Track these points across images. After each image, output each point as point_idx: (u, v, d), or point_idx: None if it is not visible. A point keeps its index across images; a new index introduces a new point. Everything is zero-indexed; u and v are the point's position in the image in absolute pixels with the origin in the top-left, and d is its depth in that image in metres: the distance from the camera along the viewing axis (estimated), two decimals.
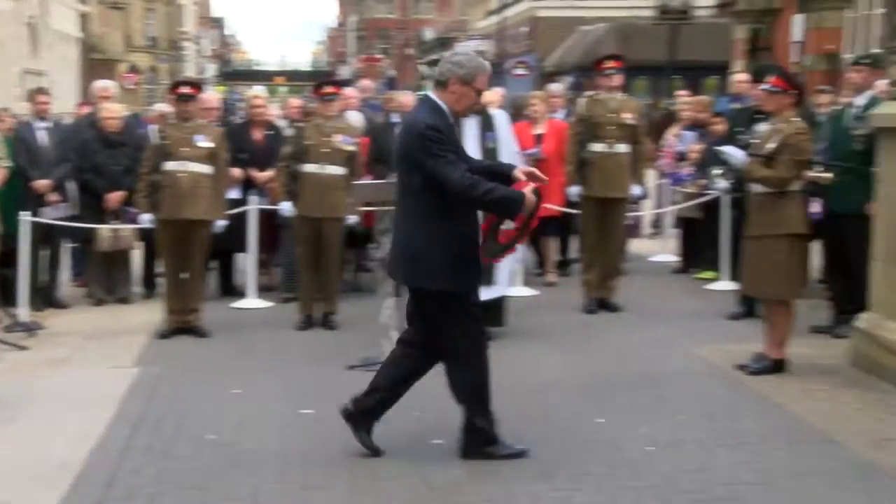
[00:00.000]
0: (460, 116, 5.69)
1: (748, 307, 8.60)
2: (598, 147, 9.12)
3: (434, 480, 5.16)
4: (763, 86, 7.41)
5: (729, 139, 8.81)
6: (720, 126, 10.43)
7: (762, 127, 7.67)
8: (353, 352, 7.52)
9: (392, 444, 5.53)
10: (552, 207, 10.24)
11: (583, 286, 9.38)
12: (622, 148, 9.13)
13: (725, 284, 9.84)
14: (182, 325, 8.52)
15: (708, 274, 10.58)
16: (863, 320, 7.15)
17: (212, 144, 8.53)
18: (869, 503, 4.81)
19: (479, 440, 5.44)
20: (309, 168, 8.68)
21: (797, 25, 19.73)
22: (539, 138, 10.44)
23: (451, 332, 5.42)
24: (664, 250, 12.37)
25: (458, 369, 5.45)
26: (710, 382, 6.86)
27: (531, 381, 6.95)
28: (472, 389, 5.46)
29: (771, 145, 6.94)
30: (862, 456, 5.39)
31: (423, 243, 5.30)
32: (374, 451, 5.50)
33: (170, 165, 8.39)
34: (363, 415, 5.54)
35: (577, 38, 35.15)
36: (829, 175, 7.80)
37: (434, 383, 5.51)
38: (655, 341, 8.05)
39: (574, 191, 9.39)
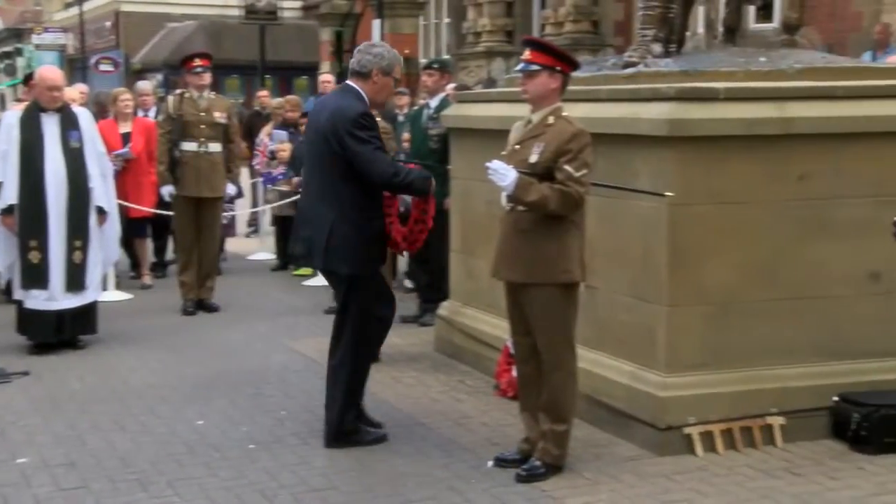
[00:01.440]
0: (379, 107, 5.92)
1: None
2: (189, 146, 8.98)
3: None
4: None
5: None
6: None
7: None
8: None
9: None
10: (144, 209, 10.01)
11: (180, 287, 9.20)
12: (215, 147, 9.05)
13: (321, 279, 9.91)
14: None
15: (305, 270, 10.68)
16: (444, 308, 7.49)
17: None
18: (449, 475, 5.04)
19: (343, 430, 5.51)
20: None
21: (376, 30, 20.54)
22: (126, 137, 10.10)
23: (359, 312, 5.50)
24: (262, 248, 12.40)
25: (355, 349, 5.51)
26: (309, 376, 6.90)
27: (127, 387, 6.73)
28: (360, 375, 5.59)
29: None
30: (445, 434, 5.66)
31: (348, 230, 5.33)
32: (382, 436, 5.59)
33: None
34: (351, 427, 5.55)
35: (166, 35, 34.41)
36: None
37: None
38: (256, 339, 8.06)
39: (167, 191, 9.19)
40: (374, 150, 5.31)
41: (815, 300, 5.52)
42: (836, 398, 5.45)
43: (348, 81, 5.57)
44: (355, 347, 5.52)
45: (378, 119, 7.19)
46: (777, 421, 5.38)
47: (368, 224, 5.42)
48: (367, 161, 5.29)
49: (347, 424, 5.51)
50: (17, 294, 7.68)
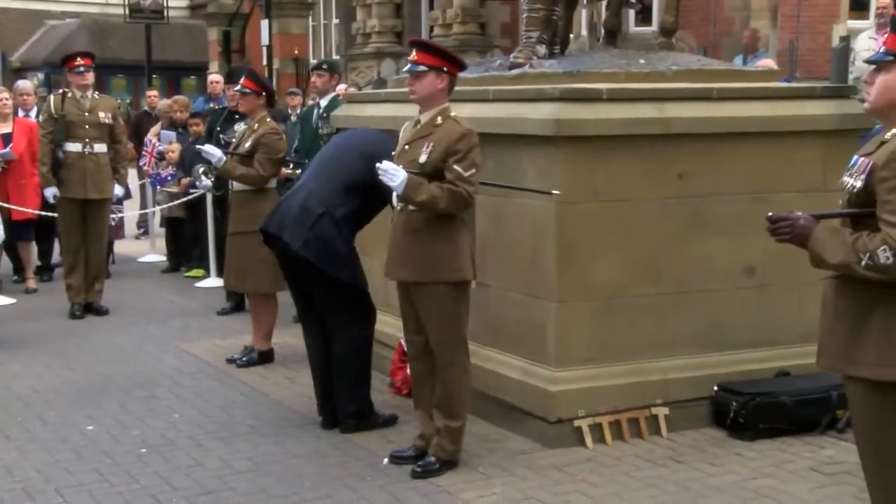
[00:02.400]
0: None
1: (236, 302, 8.70)
2: (73, 147, 8.80)
3: None
4: (236, 87, 7.52)
5: (208, 138, 8.87)
6: (199, 126, 10.45)
7: (238, 126, 7.78)
8: None
9: None
10: (28, 211, 9.76)
11: (66, 291, 8.96)
12: (100, 148, 8.88)
13: (214, 281, 9.87)
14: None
15: (196, 272, 10.58)
16: None
17: None
18: (344, 473, 5.02)
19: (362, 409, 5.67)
20: None
21: (265, 30, 20.34)
22: (7, 138, 9.83)
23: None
24: (152, 250, 12.18)
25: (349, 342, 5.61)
26: (202, 378, 6.84)
27: (12, 394, 6.53)
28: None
29: (247, 144, 7.05)
30: (341, 433, 5.62)
31: (331, 228, 5.46)
32: (393, 417, 5.77)
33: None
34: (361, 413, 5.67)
35: (46, 33, 33.46)
36: (300, 172, 8.07)
37: None
38: (147, 342, 7.91)
39: (50, 192, 8.97)
40: None
41: (696, 294, 5.63)
42: (715, 388, 5.57)
43: None
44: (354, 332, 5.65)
45: (269, 120, 7.17)
46: (662, 411, 5.47)
47: (349, 236, 5.56)
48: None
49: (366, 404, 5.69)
50: None
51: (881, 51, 3.27)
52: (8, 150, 9.71)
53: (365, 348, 5.72)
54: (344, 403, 5.64)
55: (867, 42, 11.55)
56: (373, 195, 5.36)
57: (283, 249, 5.64)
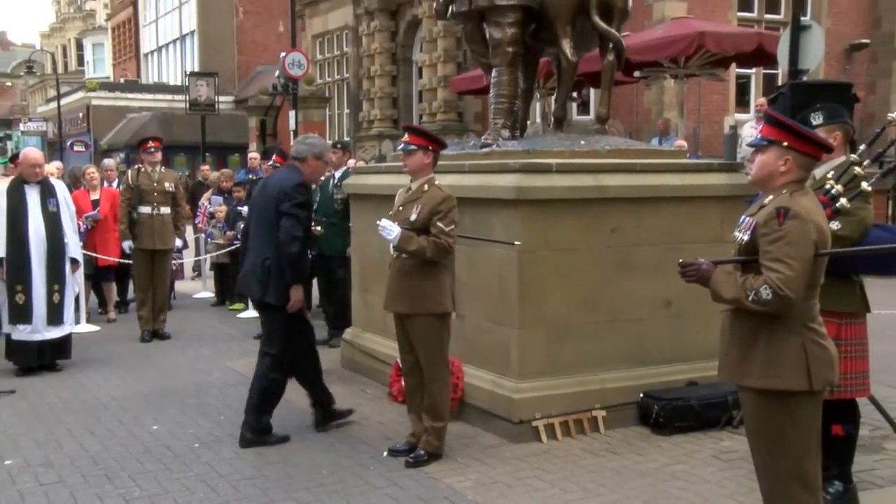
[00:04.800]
0: (315, 182, 5.89)
1: None
2: (145, 209, 8.81)
3: None
4: (269, 162, 7.53)
5: (247, 202, 8.85)
6: (240, 192, 10.49)
7: None
8: None
9: None
10: (110, 259, 9.74)
11: (138, 320, 8.91)
12: (165, 210, 8.90)
13: (250, 313, 9.75)
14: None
15: (238, 305, 10.51)
16: (348, 333, 7.39)
17: None
18: (353, 463, 4.96)
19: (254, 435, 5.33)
20: None
21: (292, 119, 20.40)
22: (96, 203, 9.87)
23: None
24: (204, 288, 12.08)
25: (277, 370, 5.39)
26: (242, 389, 6.63)
27: (96, 401, 6.46)
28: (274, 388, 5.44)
29: None
30: (350, 431, 5.58)
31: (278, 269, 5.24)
32: (348, 412, 5.69)
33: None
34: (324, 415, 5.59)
35: (127, 123, 33.51)
36: (319, 228, 8.06)
37: None
38: (199, 360, 7.82)
39: (127, 245, 9.02)
40: (293, 217, 5.19)
41: (625, 322, 5.62)
42: (641, 395, 5.56)
43: (293, 162, 5.48)
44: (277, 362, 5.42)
45: None
46: (600, 413, 5.45)
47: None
48: (287, 224, 5.19)
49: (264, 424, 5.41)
50: (6, 328, 7.43)
51: (758, 137, 3.30)
52: (96, 212, 9.73)
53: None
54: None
55: (749, 130, 11.71)
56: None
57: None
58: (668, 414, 5.38)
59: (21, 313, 7.25)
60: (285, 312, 5.32)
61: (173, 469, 4.95)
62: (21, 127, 41.09)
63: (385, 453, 5.09)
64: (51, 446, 5.39)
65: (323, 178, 9.31)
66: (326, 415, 5.66)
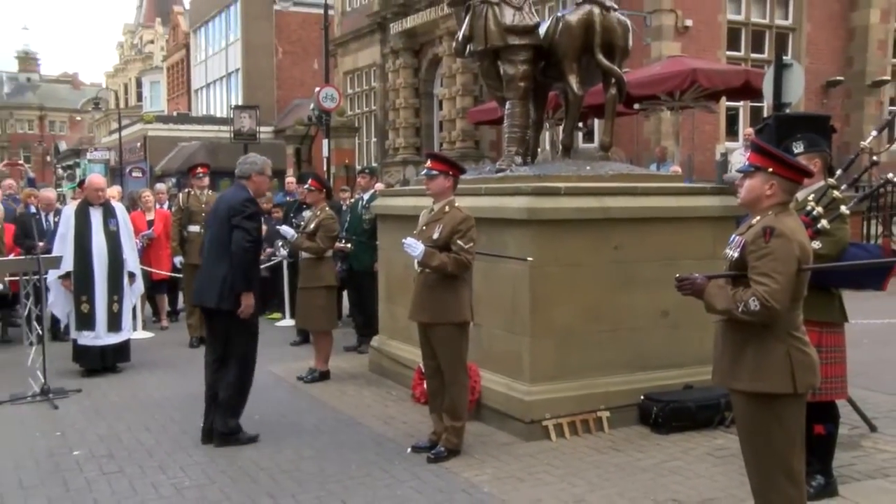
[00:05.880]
0: (260, 196, 5.63)
1: (304, 336, 8.67)
2: (194, 228, 8.88)
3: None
4: (305, 186, 7.58)
5: (285, 221, 8.93)
6: (278, 213, 10.53)
7: (306, 213, 7.84)
8: (4, 391, 6.62)
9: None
10: (163, 273, 9.82)
11: (188, 328, 8.99)
12: None
13: (288, 322, 9.84)
14: None
15: (276, 315, 10.55)
16: (375, 340, 7.40)
17: None
18: (379, 458, 4.97)
19: (228, 432, 5.23)
20: None
21: (325, 147, 20.53)
22: (150, 223, 9.98)
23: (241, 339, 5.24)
24: None
25: (241, 369, 5.25)
26: (280, 390, 6.80)
27: (151, 399, 6.53)
28: (243, 386, 5.30)
29: (311, 226, 7.09)
30: (377, 430, 5.58)
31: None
32: (254, 437, 5.31)
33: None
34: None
35: (178, 151, 33.85)
36: (349, 245, 8.12)
37: None
38: None
39: (178, 260, 9.12)
40: (243, 230, 5.12)
41: (627, 331, 5.60)
42: (642, 397, 5.53)
43: (239, 181, 5.39)
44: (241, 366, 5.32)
45: (327, 208, 7.22)
46: (604, 414, 5.43)
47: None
48: (237, 236, 5.13)
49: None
50: (73, 334, 7.55)
51: (746, 164, 3.31)
52: (151, 231, 9.88)
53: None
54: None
55: (738, 157, 11.67)
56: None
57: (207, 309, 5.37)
58: (667, 415, 5.36)
59: (86, 321, 7.38)
60: (238, 317, 5.19)
61: (219, 462, 4.97)
62: (88, 156, 41.91)
63: (409, 450, 5.09)
64: (112, 440, 5.44)
65: (352, 200, 9.41)
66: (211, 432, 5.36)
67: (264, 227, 10.68)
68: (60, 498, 4.43)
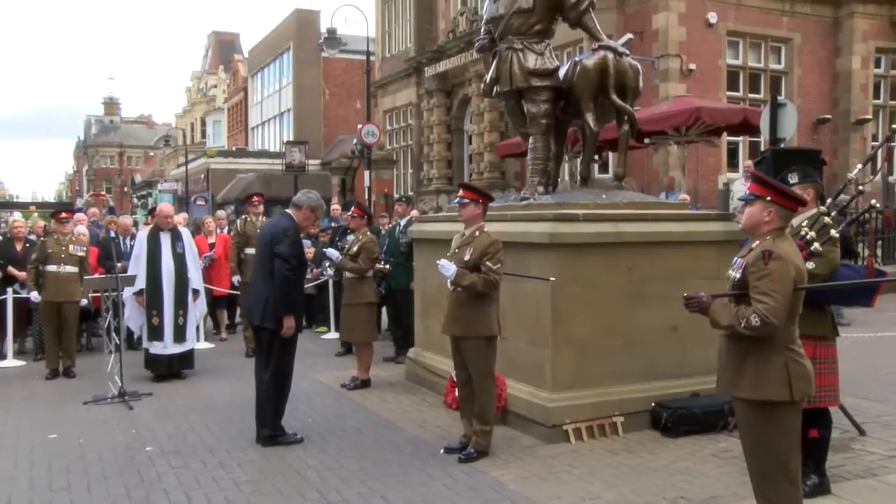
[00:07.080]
0: (304, 230, 5.54)
1: (347, 348, 8.70)
2: (250, 251, 8.91)
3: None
4: (348, 213, 7.66)
5: (331, 244, 9.03)
6: (325, 237, 10.62)
7: (349, 237, 7.92)
8: (87, 392, 6.76)
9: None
10: (222, 290, 9.94)
11: (244, 339, 9.05)
12: None
13: (333, 334, 9.87)
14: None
15: (322, 328, 10.61)
16: (411, 352, 7.40)
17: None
18: (415, 458, 4.97)
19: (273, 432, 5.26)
20: (50, 268, 7.89)
21: (367, 177, 20.73)
22: (212, 246, 10.13)
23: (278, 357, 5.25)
24: None
25: (276, 380, 5.26)
26: (325, 397, 6.82)
27: (213, 403, 6.59)
28: (278, 394, 5.28)
29: (354, 248, 7.15)
30: (413, 432, 5.59)
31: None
32: (299, 439, 5.26)
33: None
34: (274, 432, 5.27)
35: (236, 181, 34.42)
36: (387, 266, 8.17)
37: None
38: (295, 372, 7.87)
39: (236, 279, 9.26)
40: (281, 258, 5.09)
41: (639, 344, 5.57)
42: (653, 404, 5.49)
43: (291, 208, 5.35)
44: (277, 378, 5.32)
45: (368, 233, 7.29)
46: (619, 419, 5.39)
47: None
48: (278, 264, 5.12)
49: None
50: (145, 344, 7.67)
51: (746, 193, 3.32)
52: (212, 253, 9.98)
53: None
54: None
55: (740, 186, 11.60)
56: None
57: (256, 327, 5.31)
58: (675, 420, 5.32)
59: (155, 332, 7.51)
60: (279, 335, 5.18)
61: (272, 460, 5.01)
62: (159, 186, 43.09)
63: (442, 451, 5.09)
64: (178, 438, 5.52)
65: (391, 225, 9.49)
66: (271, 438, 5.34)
67: (313, 250, 10.93)
68: (136, 487, 4.51)
